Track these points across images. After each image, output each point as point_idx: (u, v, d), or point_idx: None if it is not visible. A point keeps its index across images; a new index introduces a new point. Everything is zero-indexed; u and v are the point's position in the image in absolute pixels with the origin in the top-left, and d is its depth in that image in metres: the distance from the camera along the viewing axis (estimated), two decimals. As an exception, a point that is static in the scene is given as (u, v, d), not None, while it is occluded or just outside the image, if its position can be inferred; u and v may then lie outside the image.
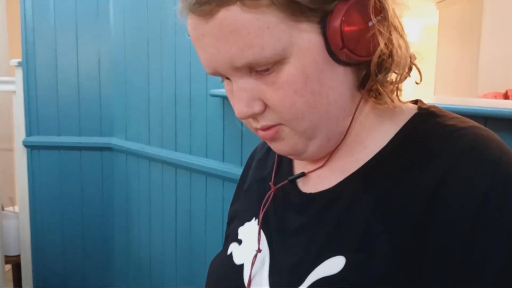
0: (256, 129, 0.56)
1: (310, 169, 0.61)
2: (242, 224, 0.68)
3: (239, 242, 0.66)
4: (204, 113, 1.89)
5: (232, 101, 0.55)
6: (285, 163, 0.67)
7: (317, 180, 0.60)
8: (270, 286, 0.57)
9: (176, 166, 2.03)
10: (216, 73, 0.53)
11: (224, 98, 1.78)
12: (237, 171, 1.73)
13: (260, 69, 0.50)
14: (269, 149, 0.73)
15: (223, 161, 1.83)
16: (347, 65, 0.51)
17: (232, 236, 0.68)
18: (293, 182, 0.63)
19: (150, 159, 2.18)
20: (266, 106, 0.52)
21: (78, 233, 2.48)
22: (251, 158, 0.78)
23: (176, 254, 2.09)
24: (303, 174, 0.61)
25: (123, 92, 2.33)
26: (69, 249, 2.49)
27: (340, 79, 0.52)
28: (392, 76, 0.54)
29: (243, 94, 0.52)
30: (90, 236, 2.48)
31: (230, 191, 1.80)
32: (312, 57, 0.49)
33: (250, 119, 0.55)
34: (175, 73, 2.01)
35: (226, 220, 0.78)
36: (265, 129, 0.54)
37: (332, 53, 0.50)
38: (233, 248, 0.66)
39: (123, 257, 2.45)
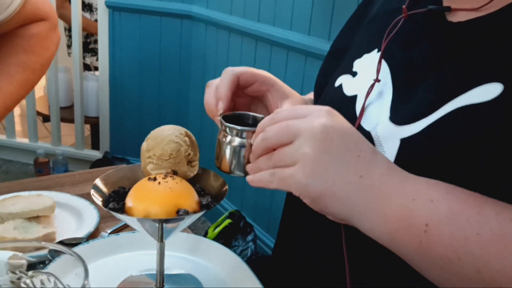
0: None
1: (464, 7, 0.50)
2: (360, 56, 0.60)
3: (353, 74, 0.59)
4: (294, -20, 1.74)
5: None
6: None
7: (469, 12, 0.50)
8: (391, 116, 0.49)
9: (257, 38, 1.94)
10: None
11: (318, -37, 1.61)
12: (323, 46, 1.61)
13: None
14: None
15: (309, 34, 1.71)
16: None
17: (344, 68, 0.61)
18: (435, 11, 0.52)
19: (230, 29, 2.09)
20: None
21: (154, 99, 2.52)
22: None
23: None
24: (448, 9, 0.51)
25: (207, -45, 2.19)
26: (144, 115, 2.55)
27: None
28: None
29: None
30: (166, 103, 2.51)
31: (312, 67, 1.70)
32: None
33: None
34: None
35: None
36: None
37: None
38: (343, 80, 0.59)
39: (196, 127, 2.48)
